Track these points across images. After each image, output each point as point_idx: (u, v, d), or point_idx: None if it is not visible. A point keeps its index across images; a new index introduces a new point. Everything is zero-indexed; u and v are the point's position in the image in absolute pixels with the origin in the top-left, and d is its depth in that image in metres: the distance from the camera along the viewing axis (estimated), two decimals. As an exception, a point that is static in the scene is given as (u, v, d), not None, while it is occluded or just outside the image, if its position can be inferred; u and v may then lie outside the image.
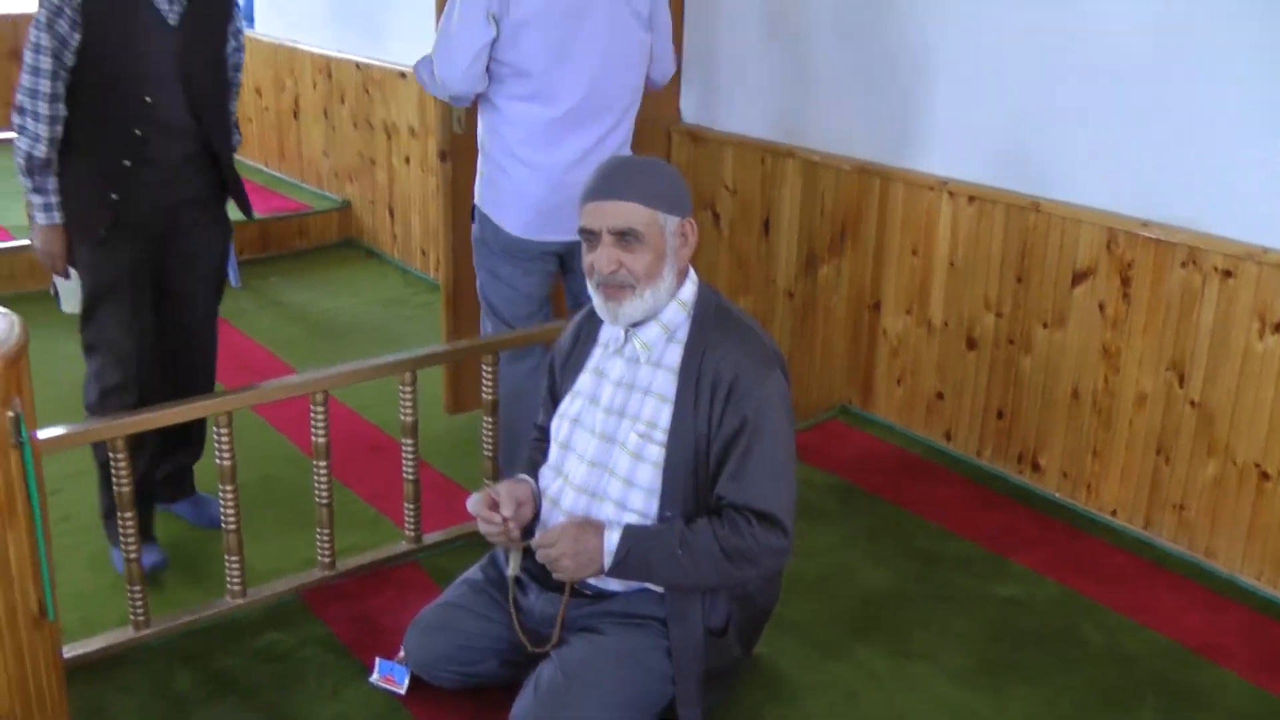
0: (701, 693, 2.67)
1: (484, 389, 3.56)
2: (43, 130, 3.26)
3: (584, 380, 2.80)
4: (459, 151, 4.56)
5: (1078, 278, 3.87)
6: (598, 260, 2.61)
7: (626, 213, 2.58)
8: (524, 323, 3.80)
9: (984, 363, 4.21)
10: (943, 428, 4.39)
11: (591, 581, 2.71)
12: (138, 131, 3.38)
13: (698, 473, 2.61)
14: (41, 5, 3.25)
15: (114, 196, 3.37)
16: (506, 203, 3.69)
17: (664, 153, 5.17)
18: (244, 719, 2.88)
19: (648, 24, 3.73)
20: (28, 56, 3.25)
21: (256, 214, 3.98)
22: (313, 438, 3.21)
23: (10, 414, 2.22)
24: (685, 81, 5.18)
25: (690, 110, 5.20)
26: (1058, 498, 4.03)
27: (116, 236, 3.41)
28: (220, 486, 3.13)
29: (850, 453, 4.38)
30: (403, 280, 6.81)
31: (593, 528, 2.61)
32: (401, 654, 2.95)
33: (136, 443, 3.21)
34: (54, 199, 3.35)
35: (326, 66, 7.51)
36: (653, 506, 2.63)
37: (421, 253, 6.85)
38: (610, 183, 2.60)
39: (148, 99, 3.37)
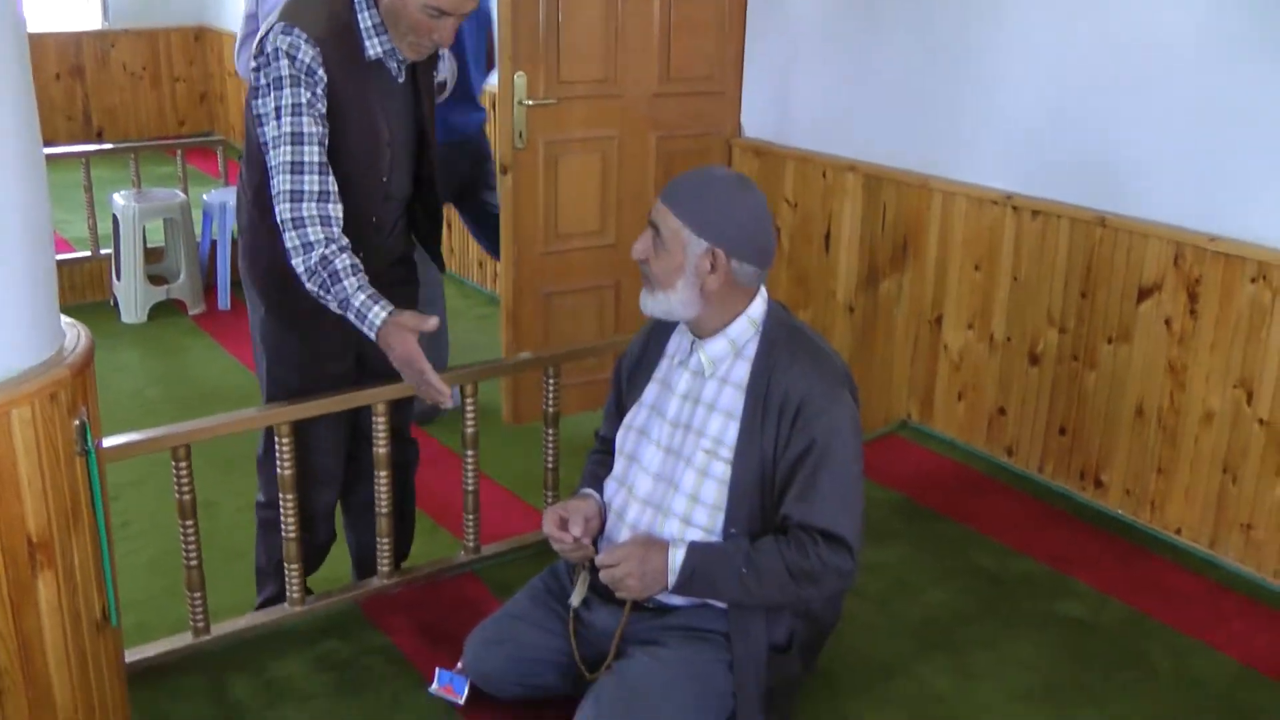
0: (763, 708, 2.65)
1: (545, 400, 3.56)
2: (318, 233, 2.76)
3: (650, 391, 2.78)
4: (520, 165, 4.57)
5: (1143, 293, 3.81)
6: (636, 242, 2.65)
7: (664, 215, 2.59)
8: None
9: (1046, 378, 4.16)
10: (1004, 444, 4.34)
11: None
12: (374, 219, 3.05)
13: (764, 491, 2.59)
14: (283, 80, 2.76)
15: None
16: None
17: (725, 165, 5.16)
18: (302, 728, 2.89)
19: None
20: (280, 151, 2.75)
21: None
22: (374, 448, 3.20)
23: (76, 422, 2.23)
24: (747, 95, 5.17)
25: (752, 124, 5.19)
26: (1121, 515, 3.97)
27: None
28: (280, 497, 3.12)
29: (911, 468, 4.34)
30: (459, 292, 6.83)
31: (658, 546, 2.59)
32: (461, 664, 2.94)
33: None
34: (360, 299, 2.75)
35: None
36: (718, 523, 2.61)
37: (479, 265, 6.86)
38: (673, 185, 2.61)
39: (385, 179, 3.03)
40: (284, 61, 2.75)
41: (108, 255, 6.57)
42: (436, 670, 2.96)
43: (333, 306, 2.79)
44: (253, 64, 2.82)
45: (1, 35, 2.03)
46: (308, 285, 2.78)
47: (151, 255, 6.56)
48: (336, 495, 3.38)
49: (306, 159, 2.76)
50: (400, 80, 3.02)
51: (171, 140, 8.50)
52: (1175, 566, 3.71)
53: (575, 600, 2.77)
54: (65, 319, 2.34)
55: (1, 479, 2.10)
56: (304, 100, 2.76)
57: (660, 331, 2.82)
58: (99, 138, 10.46)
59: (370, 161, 2.96)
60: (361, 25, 2.88)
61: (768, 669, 2.64)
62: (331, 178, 2.79)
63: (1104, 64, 3.84)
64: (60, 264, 6.46)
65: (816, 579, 2.52)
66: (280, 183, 2.75)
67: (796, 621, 2.71)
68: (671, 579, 2.56)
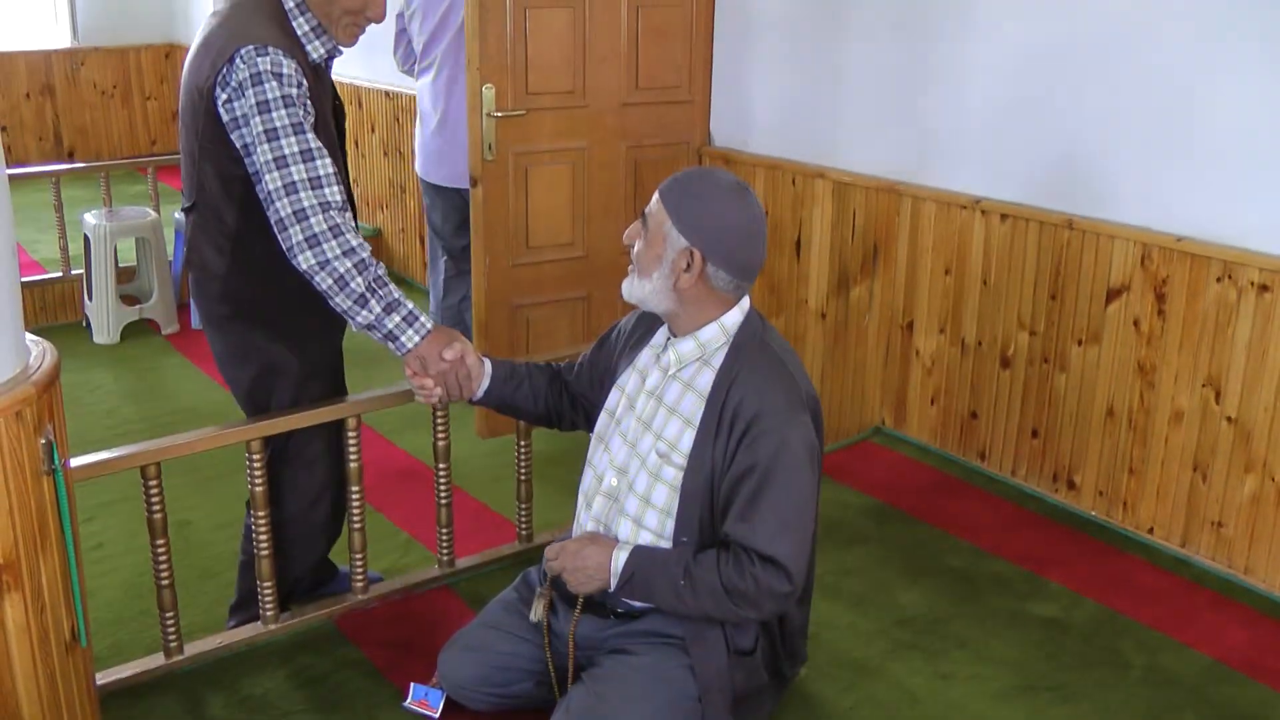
0: (731, 713, 2.65)
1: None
2: (355, 239, 2.79)
3: (629, 377, 2.79)
4: (490, 177, 4.57)
5: (1112, 294, 3.84)
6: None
7: (656, 205, 2.60)
8: (444, 233, 5.38)
9: (1018, 381, 4.18)
10: (977, 447, 4.36)
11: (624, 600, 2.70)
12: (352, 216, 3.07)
13: (714, 502, 2.59)
14: (276, 102, 2.75)
15: None
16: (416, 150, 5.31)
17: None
18: (278, 744, 2.88)
19: None
20: (296, 169, 2.74)
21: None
22: (347, 463, 3.20)
23: (43, 440, 2.22)
24: (715, 104, 5.18)
25: (721, 133, 5.20)
26: (1094, 516, 3.99)
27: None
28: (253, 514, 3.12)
29: (885, 473, 4.35)
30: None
31: (602, 545, 2.62)
32: (435, 678, 2.94)
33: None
34: (410, 304, 2.86)
35: (356, 96, 7.54)
36: (668, 528, 2.61)
37: (452, 279, 6.85)
38: (672, 179, 2.62)
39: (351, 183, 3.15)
40: (270, 84, 2.74)
41: (79, 275, 6.53)
42: (411, 685, 2.96)
43: (361, 316, 2.79)
44: (220, 95, 2.79)
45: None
46: (340, 294, 2.76)
47: (123, 275, 6.53)
48: None
49: (323, 172, 2.76)
50: (327, 81, 3.10)
51: (143, 159, 8.46)
52: (1147, 565, 3.73)
53: (534, 617, 2.78)
54: (30, 336, 2.33)
55: (-33, 499, 2.09)
56: (300, 117, 2.76)
57: (654, 317, 2.81)
58: (70, 157, 10.41)
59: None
60: (299, 32, 2.92)
61: (732, 673, 2.64)
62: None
63: (1069, 66, 3.86)
64: (31, 285, 6.44)
65: (751, 599, 2.51)
66: (304, 199, 2.72)
67: (760, 626, 2.71)
68: (613, 580, 2.58)
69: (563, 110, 4.77)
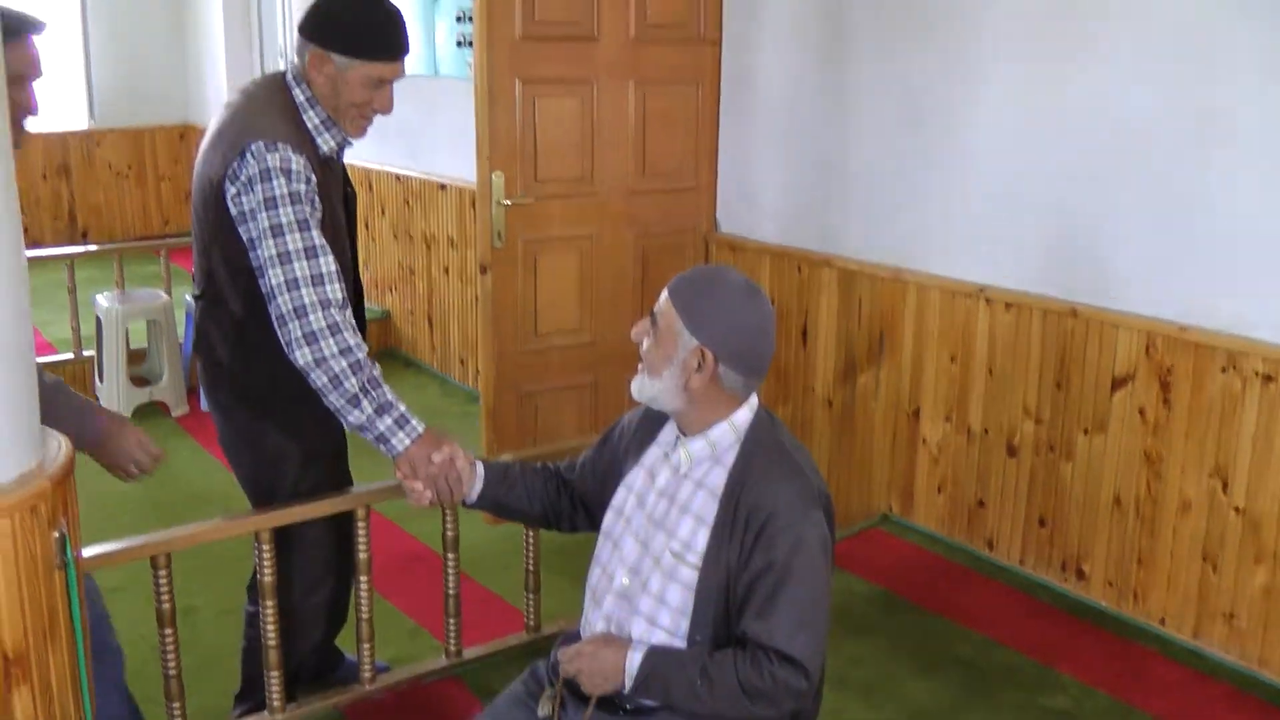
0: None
1: (524, 500, 3.56)
2: (353, 339, 2.80)
3: (636, 476, 2.78)
4: (499, 264, 4.61)
5: (1117, 383, 3.85)
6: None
7: (665, 305, 2.60)
8: None
9: (1024, 470, 4.18)
10: (985, 535, 4.35)
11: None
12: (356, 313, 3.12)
13: (728, 601, 2.58)
14: (282, 199, 2.80)
15: None
16: None
17: (701, 262, 5.19)
18: (283, 837, 2.86)
19: None
20: (299, 266, 2.77)
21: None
22: (357, 553, 3.21)
23: (56, 534, 2.23)
24: (722, 191, 5.23)
25: (727, 219, 5.24)
26: (1104, 606, 3.98)
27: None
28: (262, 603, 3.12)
29: (892, 561, 4.34)
30: (441, 390, 6.85)
31: (616, 645, 2.59)
32: (441, 770, 2.92)
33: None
34: (403, 406, 2.86)
35: (367, 179, 7.62)
36: (682, 627, 2.60)
37: (460, 362, 6.89)
38: (681, 278, 2.62)
39: (347, 267, 3.15)
40: (279, 180, 2.79)
41: (90, 356, 6.57)
42: (417, 776, 2.95)
43: (353, 416, 2.80)
44: (230, 189, 2.84)
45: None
46: (334, 393, 2.78)
47: (134, 356, 6.57)
48: None
49: (325, 270, 2.79)
50: (338, 171, 3.14)
51: (156, 240, 8.53)
52: (1159, 656, 3.71)
53: (542, 713, 2.76)
54: (46, 429, 2.35)
55: (-22, 594, 2.10)
56: (306, 214, 2.80)
57: (660, 414, 2.81)
58: (84, 238, 10.50)
59: (337, 254, 2.99)
60: (310, 125, 2.97)
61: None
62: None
63: (1072, 155, 3.90)
64: (42, 366, 6.43)
65: (769, 697, 2.50)
66: (304, 295, 2.76)
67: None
68: (628, 681, 2.56)
69: (571, 197, 4.82)
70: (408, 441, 2.84)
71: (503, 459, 3.06)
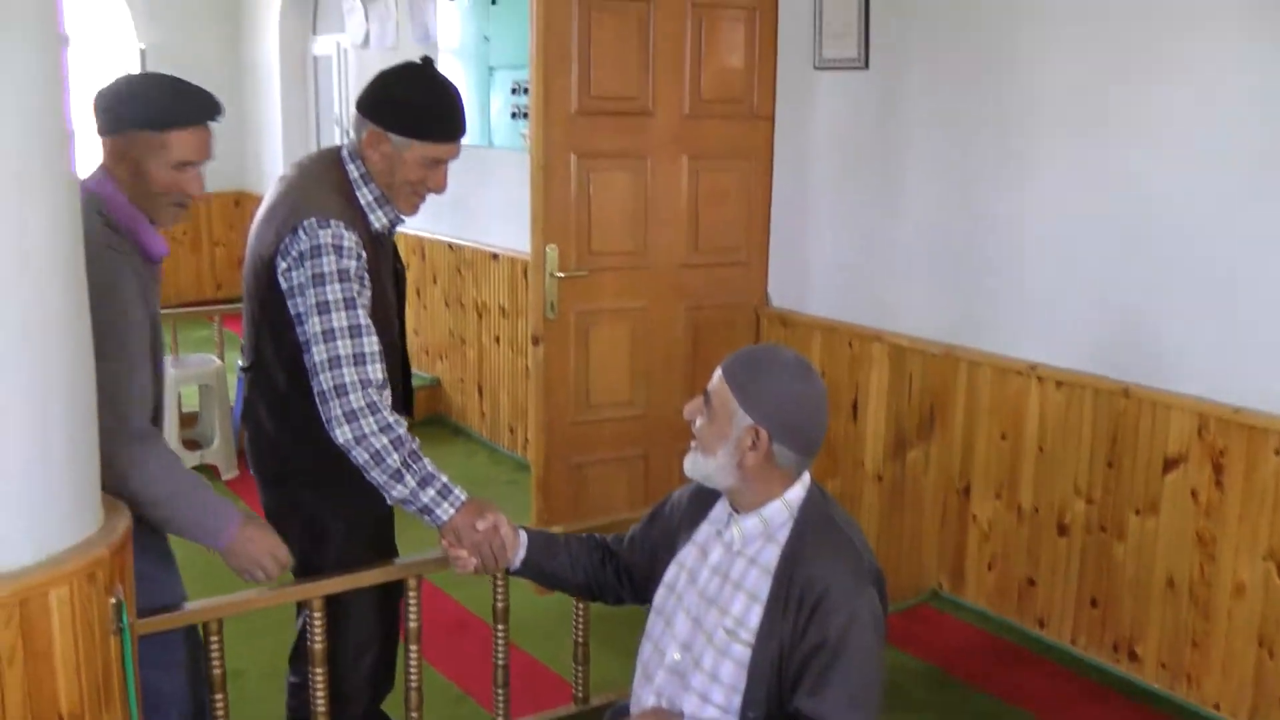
0: None
1: (572, 572, 3.56)
2: (391, 416, 2.83)
3: (688, 552, 2.79)
4: (551, 336, 4.65)
5: (1169, 464, 3.83)
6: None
7: (719, 383, 2.61)
8: None
9: (1075, 549, 4.15)
10: (1036, 614, 4.32)
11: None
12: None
13: (781, 678, 2.58)
14: (331, 276, 2.81)
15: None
16: None
17: (752, 338, 5.22)
18: None
19: None
20: (342, 344, 2.79)
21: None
22: (407, 622, 3.22)
23: (113, 600, 2.26)
24: (773, 265, 5.26)
25: (779, 294, 5.27)
26: (1157, 689, 3.93)
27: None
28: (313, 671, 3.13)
29: (942, 638, 4.31)
30: (490, 458, 6.87)
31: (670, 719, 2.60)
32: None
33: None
34: (444, 477, 2.87)
35: (420, 247, 7.70)
36: (734, 703, 2.59)
37: (509, 430, 6.92)
38: (734, 357, 2.63)
39: (394, 344, 3.17)
40: (329, 257, 2.82)
41: (144, 420, 6.64)
42: None
43: (397, 491, 2.82)
44: (281, 264, 2.88)
45: (58, 228, 2.11)
46: (376, 469, 2.80)
47: (186, 420, 6.65)
48: None
49: (368, 350, 2.82)
50: (389, 248, 3.17)
51: (210, 306, 8.64)
52: (1212, 742, 3.66)
53: None
54: (105, 495, 2.39)
55: (37, 658, 2.13)
56: (354, 292, 2.84)
57: (711, 492, 2.82)
58: (139, 302, 10.62)
59: (385, 329, 3.03)
60: (363, 202, 3.00)
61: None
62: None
63: (1125, 233, 3.91)
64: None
65: None
66: (345, 374, 2.79)
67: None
68: None
69: (624, 270, 4.87)
70: (452, 511, 2.86)
71: (552, 530, 3.07)
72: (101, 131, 2.83)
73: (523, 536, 2.94)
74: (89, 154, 2.59)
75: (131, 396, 2.71)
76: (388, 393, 2.86)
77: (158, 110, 2.80)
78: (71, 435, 2.19)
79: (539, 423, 4.76)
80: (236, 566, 2.93)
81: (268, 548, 2.91)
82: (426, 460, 2.86)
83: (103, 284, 2.44)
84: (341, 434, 2.79)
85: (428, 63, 3.08)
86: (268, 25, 9.92)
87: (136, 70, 4.46)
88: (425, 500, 2.84)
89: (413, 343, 7.80)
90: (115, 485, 2.49)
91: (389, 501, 2.92)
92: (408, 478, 2.81)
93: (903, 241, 4.69)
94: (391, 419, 2.81)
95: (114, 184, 2.82)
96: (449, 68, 6.78)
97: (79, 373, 2.22)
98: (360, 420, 2.78)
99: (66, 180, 2.14)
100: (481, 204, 7.04)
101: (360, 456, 2.79)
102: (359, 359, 2.80)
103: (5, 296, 2.01)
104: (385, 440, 2.79)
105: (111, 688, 2.31)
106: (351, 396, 2.78)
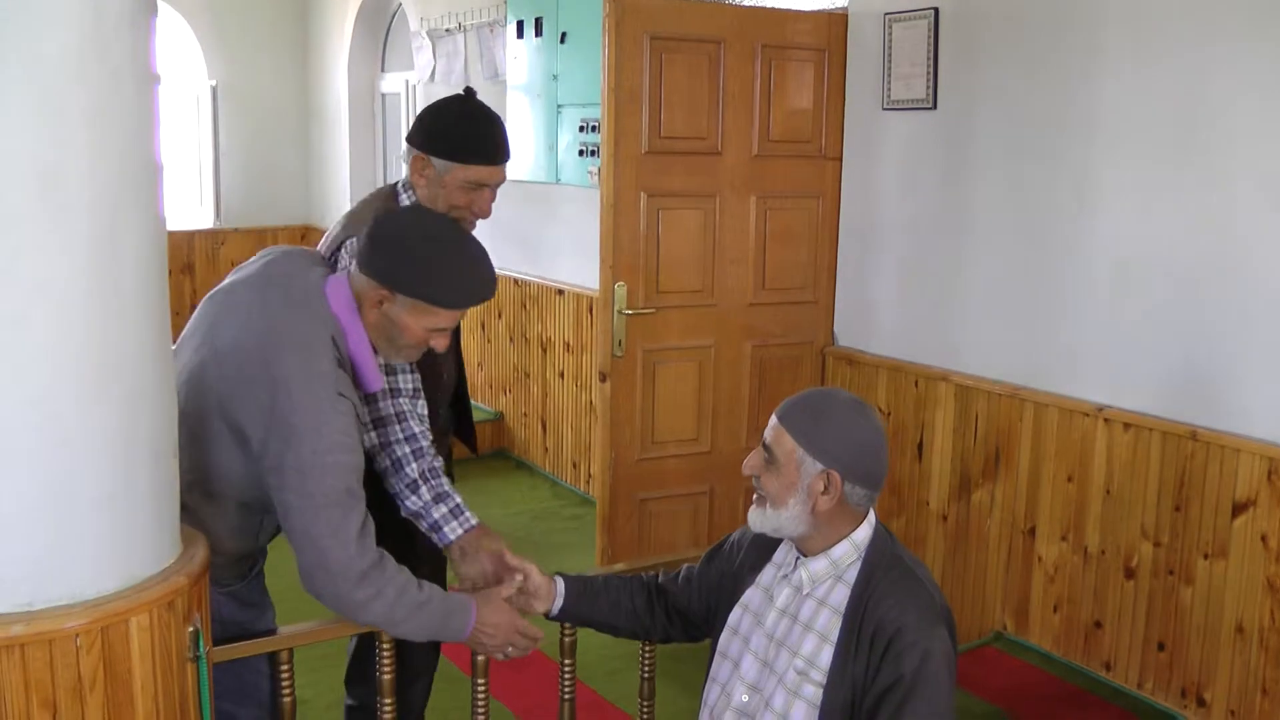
0: None
1: (637, 608, 3.57)
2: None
3: (753, 595, 2.79)
4: (618, 373, 4.69)
5: (1238, 508, 3.80)
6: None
7: (778, 435, 2.61)
8: None
9: (1143, 592, 4.12)
10: (1102, 658, 4.28)
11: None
12: (439, 411, 3.32)
13: (854, 717, 2.58)
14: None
15: None
16: None
17: (818, 377, 5.23)
18: None
19: None
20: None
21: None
22: (474, 656, 3.24)
23: (190, 629, 2.31)
24: (839, 304, 5.28)
25: (845, 333, 5.28)
26: (1225, 736, 3.89)
27: None
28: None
29: (1007, 680, 4.29)
30: (552, 493, 6.90)
31: None
32: None
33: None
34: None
35: (486, 283, 7.75)
36: (806, 744, 2.60)
37: (573, 465, 6.95)
38: (789, 406, 2.65)
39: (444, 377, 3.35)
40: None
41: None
42: None
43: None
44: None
45: (146, 261, 2.17)
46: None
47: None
48: None
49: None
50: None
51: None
52: (1281, 791, 3.62)
53: None
54: (185, 527, 2.44)
55: (117, 684, 2.18)
56: None
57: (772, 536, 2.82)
58: (207, 334, 10.78)
59: (435, 371, 3.19)
60: None
61: None
62: None
63: (1194, 274, 3.89)
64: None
65: None
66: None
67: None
68: None
69: (691, 308, 4.90)
70: (460, 530, 3.02)
71: (590, 575, 3.07)
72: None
73: (559, 585, 2.95)
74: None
75: (350, 536, 2.64)
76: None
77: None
78: (153, 467, 2.25)
79: (604, 459, 4.79)
80: (485, 654, 2.96)
81: (506, 634, 2.87)
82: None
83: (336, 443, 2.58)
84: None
85: (470, 93, 3.18)
86: (337, 62, 10.06)
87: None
88: (436, 516, 3.00)
89: (476, 377, 7.87)
90: (358, 617, 2.66)
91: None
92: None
93: (969, 281, 4.69)
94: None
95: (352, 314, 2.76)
96: (517, 105, 6.85)
97: (160, 407, 2.27)
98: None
99: (154, 215, 2.21)
100: (547, 240, 7.10)
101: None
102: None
103: (96, 331, 2.07)
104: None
105: (188, 715, 2.35)
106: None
